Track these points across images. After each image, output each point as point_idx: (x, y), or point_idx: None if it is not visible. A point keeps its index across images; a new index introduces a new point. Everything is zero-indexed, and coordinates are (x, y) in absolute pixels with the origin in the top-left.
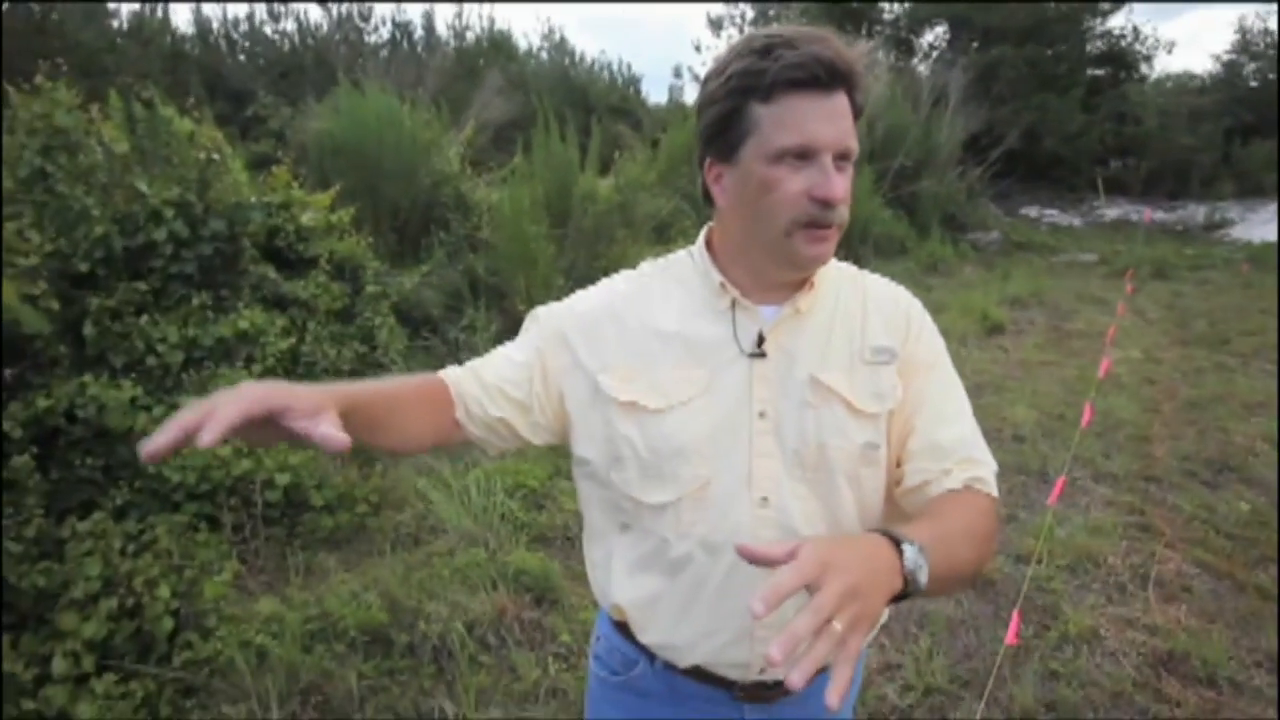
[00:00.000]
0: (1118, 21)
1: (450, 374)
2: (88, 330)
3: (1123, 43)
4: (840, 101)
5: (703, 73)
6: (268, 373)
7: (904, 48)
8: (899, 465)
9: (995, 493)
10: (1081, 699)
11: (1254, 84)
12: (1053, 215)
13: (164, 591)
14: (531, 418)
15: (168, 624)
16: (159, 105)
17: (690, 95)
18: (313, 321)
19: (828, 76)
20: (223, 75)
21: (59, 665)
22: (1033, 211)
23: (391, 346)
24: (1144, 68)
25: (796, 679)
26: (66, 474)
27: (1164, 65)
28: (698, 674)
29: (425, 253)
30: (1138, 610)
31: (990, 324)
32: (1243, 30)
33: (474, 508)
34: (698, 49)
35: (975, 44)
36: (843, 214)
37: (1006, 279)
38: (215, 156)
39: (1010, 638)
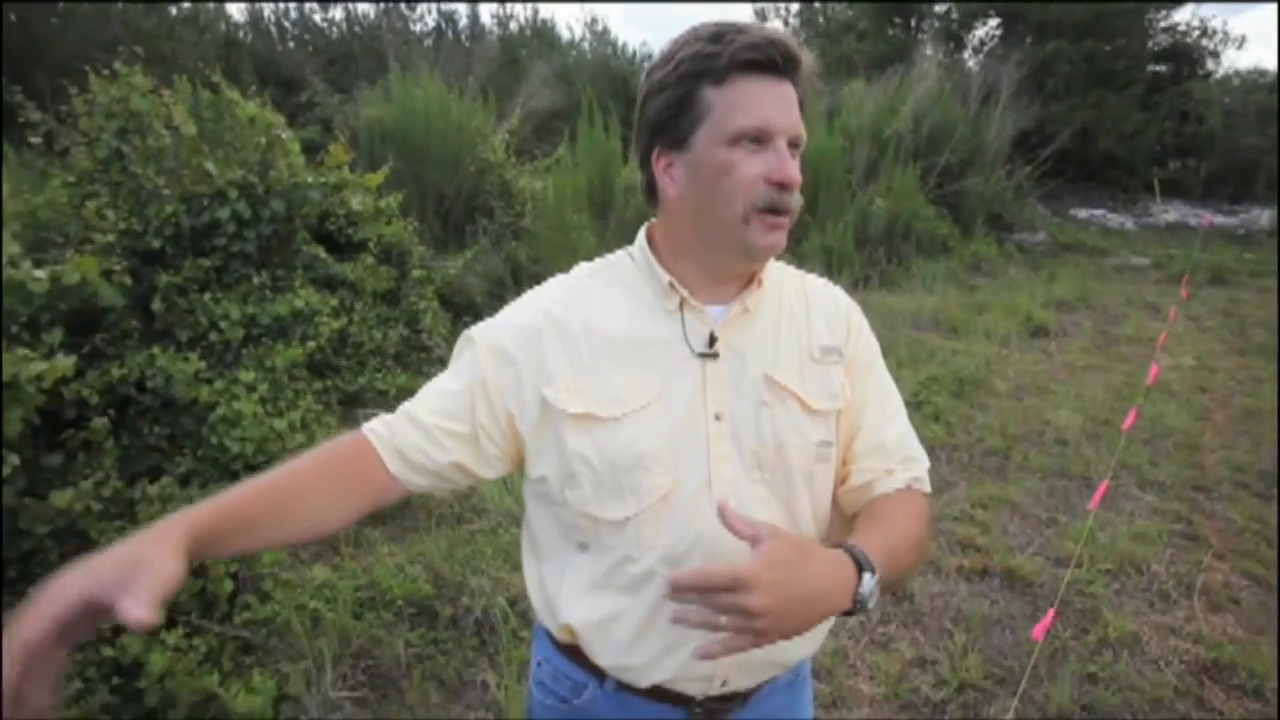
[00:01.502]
0: (1183, 16)
1: (375, 427)
2: (156, 305)
3: (1188, 38)
4: (790, 89)
5: None
6: (318, 351)
7: (955, 42)
8: (845, 464)
9: (929, 489)
10: (1120, 702)
11: None
12: (1105, 217)
13: None
14: (480, 450)
15: (228, 585)
16: (224, 89)
17: None
18: (360, 303)
19: (783, 61)
20: (274, 62)
21: None
22: (1083, 213)
23: (435, 330)
24: (1210, 64)
25: (715, 647)
26: (136, 440)
27: (1233, 61)
28: (656, 693)
29: (469, 239)
30: (1181, 619)
31: (1034, 326)
32: None
33: (515, 489)
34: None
35: (1029, 39)
36: (798, 199)
37: (1053, 281)
38: (283, 135)
39: (1038, 634)
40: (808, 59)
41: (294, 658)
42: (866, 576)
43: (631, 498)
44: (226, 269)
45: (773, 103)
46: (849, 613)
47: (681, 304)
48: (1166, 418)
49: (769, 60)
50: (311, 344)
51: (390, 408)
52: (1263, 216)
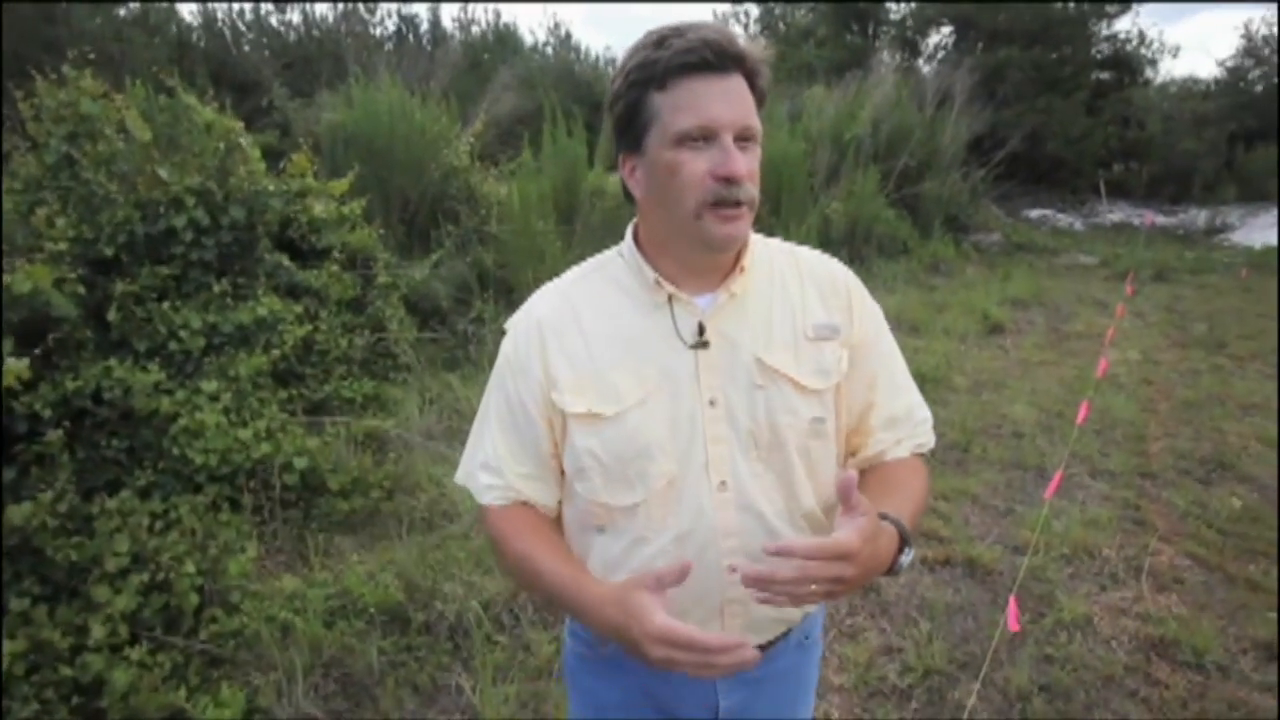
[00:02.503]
0: (1124, 25)
1: (499, 496)
2: (112, 315)
3: (1128, 47)
4: (736, 83)
5: None
6: (282, 359)
7: (910, 48)
8: (858, 435)
9: (932, 442)
10: (1074, 681)
11: (1258, 89)
12: (1055, 217)
13: (190, 567)
14: (555, 460)
15: (194, 599)
16: (180, 93)
17: None
18: (325, 311)
19: (716, 58)
20: (228, 66)
21: (97, 633)
22: (1034, 213)
23: (401, 337)
24: (1149, 72)
25: (749, 578)
26: (93, 454)
27: (1169, 69)
28: None
29: (434, 245)
30: (1130, 599)
31: (991, 324)
32: (1248, 35)
33: None
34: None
35: (981, 46)
36: (749, 191)
37: (1007, 280)
38: (242, 141)
39: (1013, 625)
40: (755, 49)
41: (264, 669)
42: (908, 550)
43: (640, 484)
44: (185, 277)
45: (714, 100)
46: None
47: (670, 298)
48: (1115, 409)
49: (704, 61)
50: (275, 352)
51: (357, 415)
52: (1200, 217)
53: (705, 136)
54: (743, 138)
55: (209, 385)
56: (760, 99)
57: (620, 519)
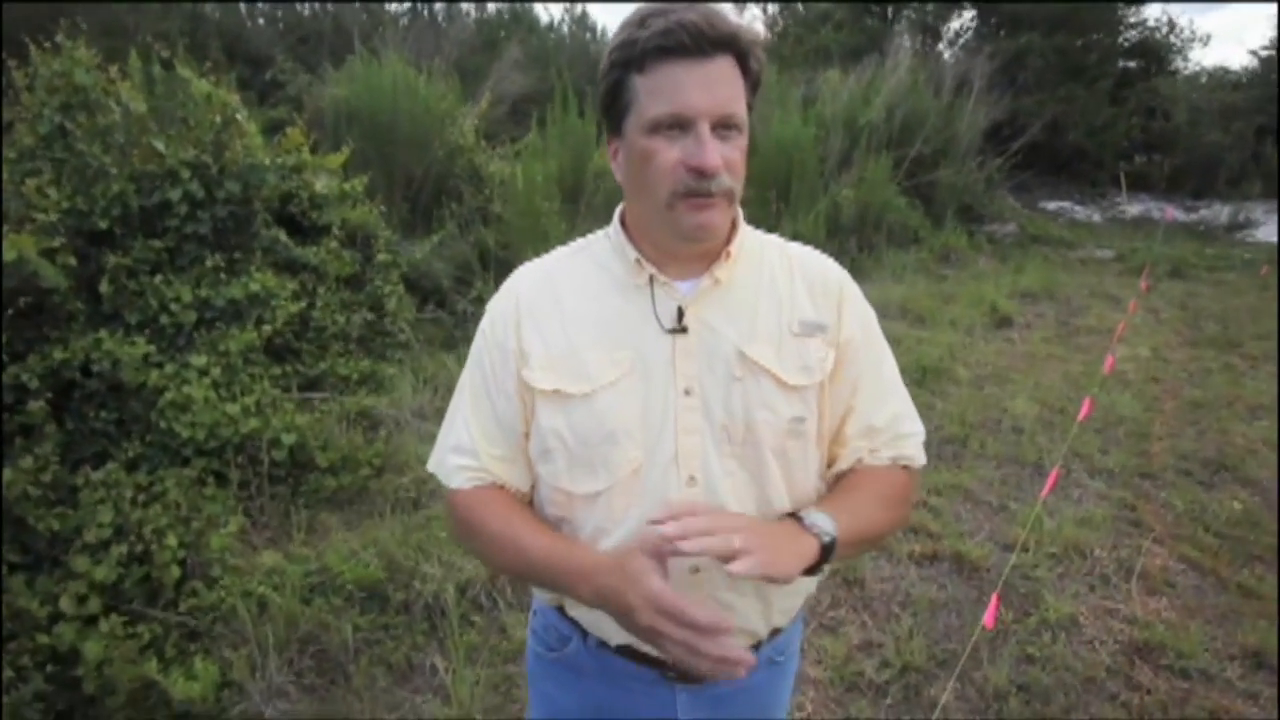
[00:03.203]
0: (1152, 12)
1: (472, 478)
2: (104, 287)
3: (1157, 35)
4: (718, 67)
5: None
6: (277, 335)
7: (930, 33)
8: (836, 445)
9: (920, 462)
10: (1054, 682)
11: None
12: (1072, 209)
13: (172, 540)
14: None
15: (175, 572)
16: (178, 66)
17: None
18: (323, 287)
19: (694, 42)
20: (242, 39)
21: (66, 604)
22: (1052, 205)
23: (400, 315)
24: (1178, 61)
25: (671, 529)
26: (81, 425)
27: (1200, 59)
28: (629, 653)
29: (437, 224)
30: (1119, 601)
31: (999, 316)
32: None
33: None
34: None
35: (1003, 31)
36: (724, 183)
37: (1019, 272)
38: (238, 116)
39: (989, 621)
40: (744, 31)
41: (238, 644)
42: (803, 514)
43: (603, 471)
44: (180, 251)
45: (691, 87)
46: (821, 556)
47: (650, 280)
48: (1119, 407)
49: (680, 45)
50: (267, 327)
51: (352, 392)
52: (1223, 213)
53: (679, 124)
54: (723, 125)
55: (198, 359)
56: (753, 83)
57: (580, 509)
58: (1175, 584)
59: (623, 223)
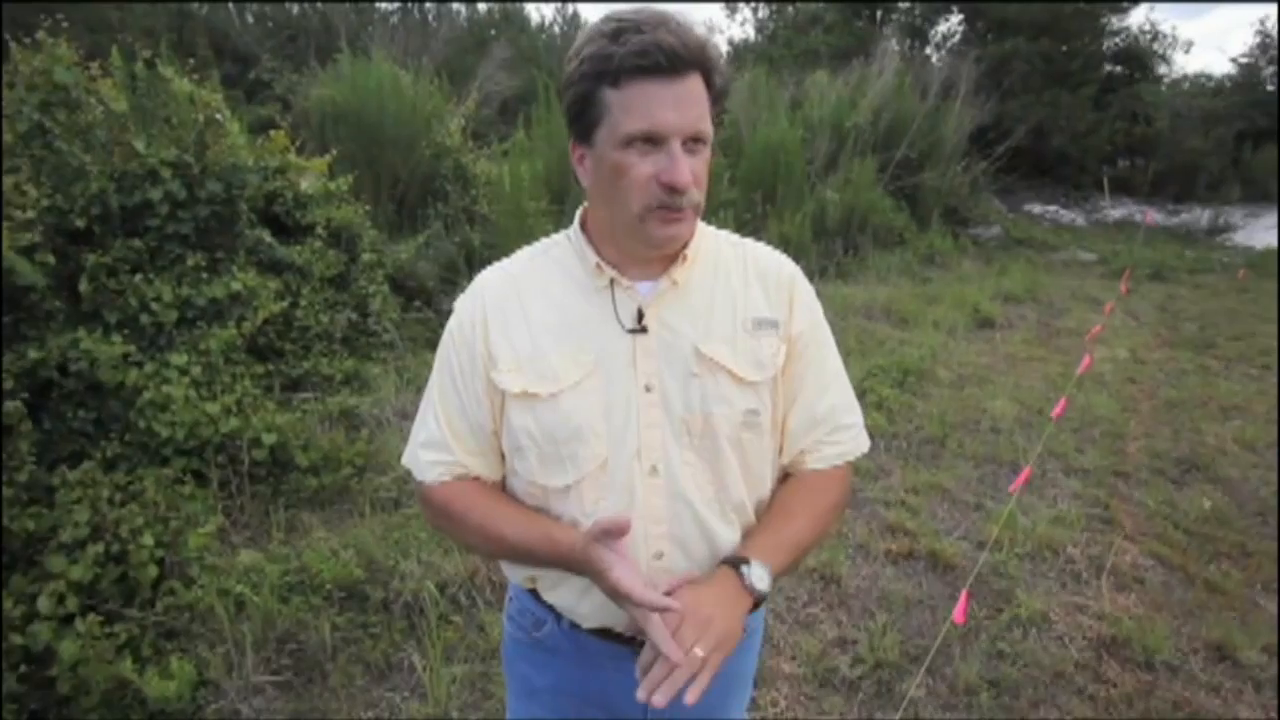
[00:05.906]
0: (1136, 19)
1: (446, 471)
2: (83, 286)
3: (1140, 41)
4: (689, 85)
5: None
6: (260, 334)
7: (918, 37)
8: (782, 436)
9: (861, 450)
10: (1023, 677)
11: (1271, 88)
12: (1056, 213)
13: (149, 540)
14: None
15: (152, 571)
16: (160, 65)
17: None
18: (307, 287)
19: (670, 62)
20: (229, 37)
21: (43, 604)
22: (1036, 208)
23: (384, 315)
24: (1161, 67)
25: (659, 699)
26: (58, 425)
27: (1183, 65)
28: (603, 633)
29: (422, 224)
30: (1089, 598)
31: (981, 318)
32: (1262, 32)
33: None
34: (709, 30)
35: (989, 36)
36: (694, 197)
37: (1003, 274)
38: (219, 117)
39: (958, 617)
40: (711, 48)
41: (215, 643)
42: (744, 569)
43: (572, 466)
44: (161, 250)
45: (665, 106)
46: (756, 602)
47: (611, 283)
48: (1096, 407)
49: (657, 65)
50: (247, 325)
51: (336, 392)
52: (1203, 216)
53: (653, 140)
54: (693, 140)
55: (178, 358)
56: (717, 95)
57: (554, 501)
58: (1144, 580)
59: (583, 225)
